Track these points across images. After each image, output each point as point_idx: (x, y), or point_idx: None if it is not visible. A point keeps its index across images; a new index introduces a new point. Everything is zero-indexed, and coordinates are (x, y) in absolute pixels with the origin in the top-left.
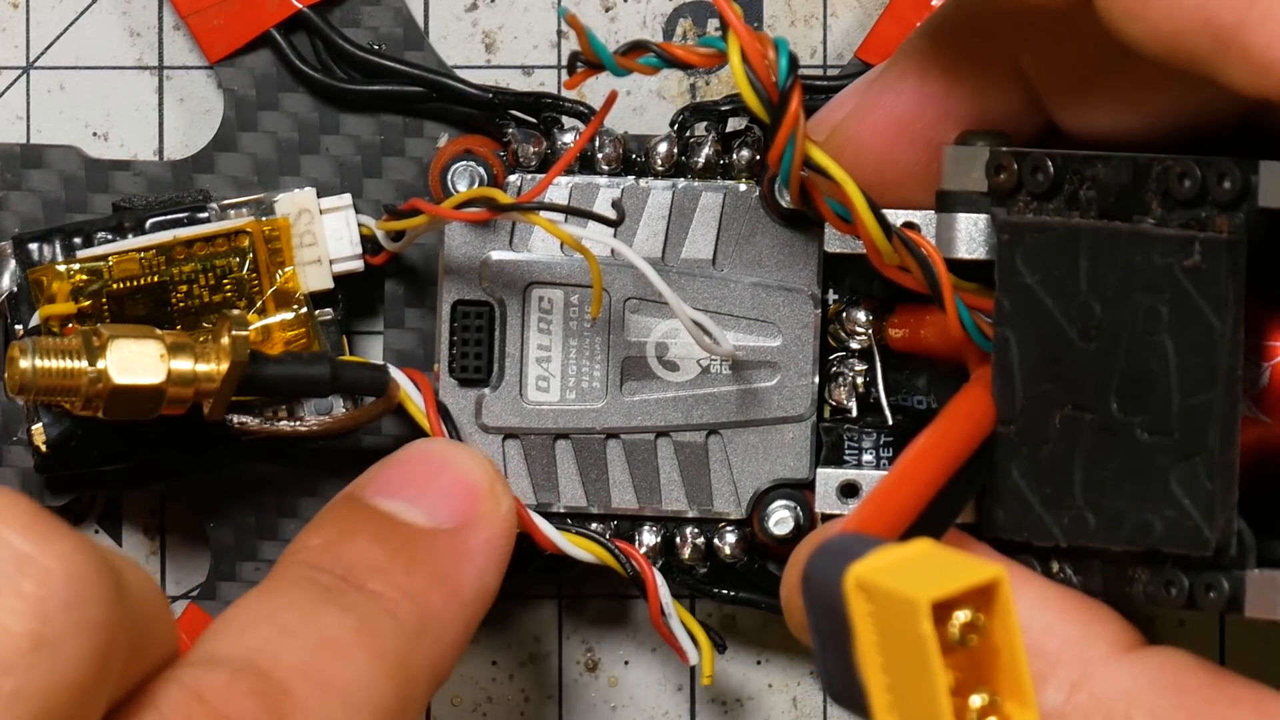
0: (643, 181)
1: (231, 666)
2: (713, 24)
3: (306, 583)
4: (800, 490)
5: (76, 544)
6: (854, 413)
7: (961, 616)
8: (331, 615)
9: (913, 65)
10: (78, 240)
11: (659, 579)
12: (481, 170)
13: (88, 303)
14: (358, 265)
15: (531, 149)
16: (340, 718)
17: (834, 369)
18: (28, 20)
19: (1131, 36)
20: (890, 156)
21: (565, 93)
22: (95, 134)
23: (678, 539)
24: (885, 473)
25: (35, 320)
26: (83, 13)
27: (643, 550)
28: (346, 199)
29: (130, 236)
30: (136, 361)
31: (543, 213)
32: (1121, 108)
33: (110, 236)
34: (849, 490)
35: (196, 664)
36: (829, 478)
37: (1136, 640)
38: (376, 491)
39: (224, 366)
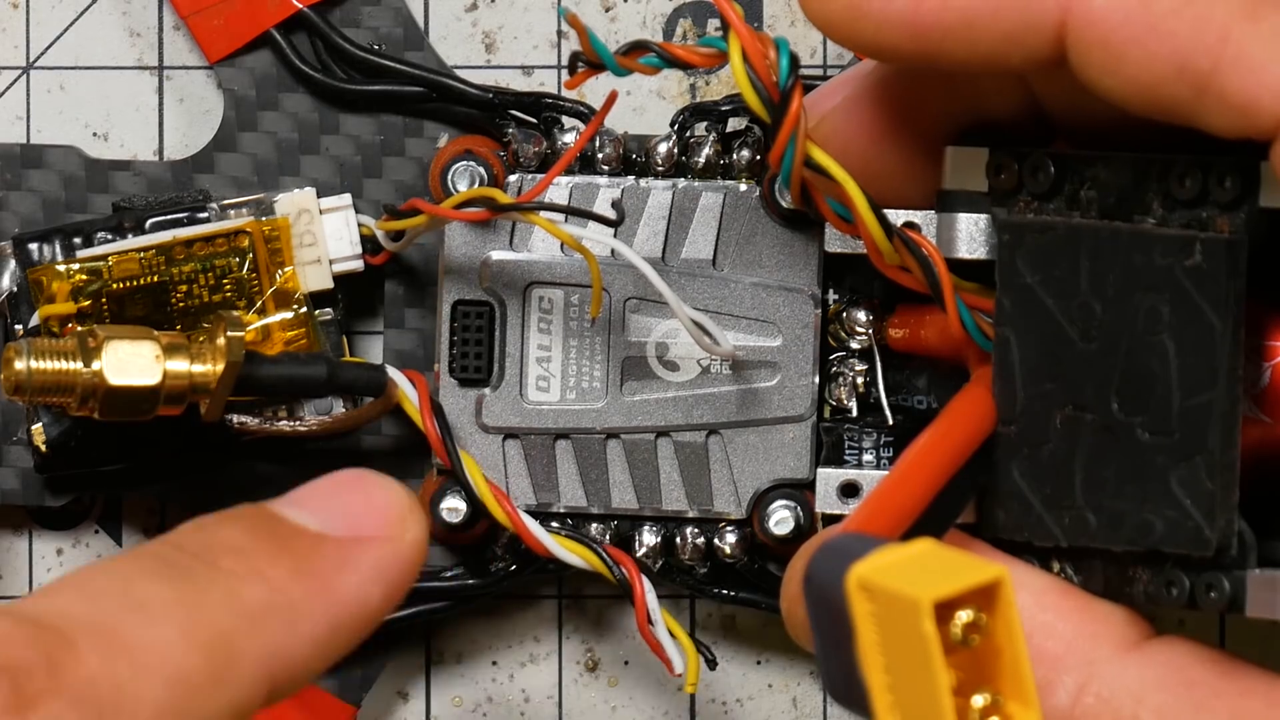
0: (643, 181)
1: (17, 618)
2: (713, 24)
3: (146, 556)
4: (800, 490)
5: None
6: (854, 413)
7: (963, 616)
8: (151, 583)
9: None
10: (78, 240)
11: (648, 587)
12: (481, 170)
13: (87, 303)
14: (358, 265)
15: (531, 149)
16: (124, 674)
17: (834, 369)
18: (28, 20)
19: (1108, 90)
20: (877, 151)
21: (565, 93)
22: (95, 134)
23: (678, 539)
24: (886, 473)
25: (35, 320)
26: (83, 13)
27: (642, 550)
28: (346, 199)
29: (130, 236)
30: (132, 362)
31: (543, 213)
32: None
33: (110, 236)
34: (849, 490)
35: None
36: (829, 478)
37: (1142, 634)
38: (279, 502)
39: (220, 367)
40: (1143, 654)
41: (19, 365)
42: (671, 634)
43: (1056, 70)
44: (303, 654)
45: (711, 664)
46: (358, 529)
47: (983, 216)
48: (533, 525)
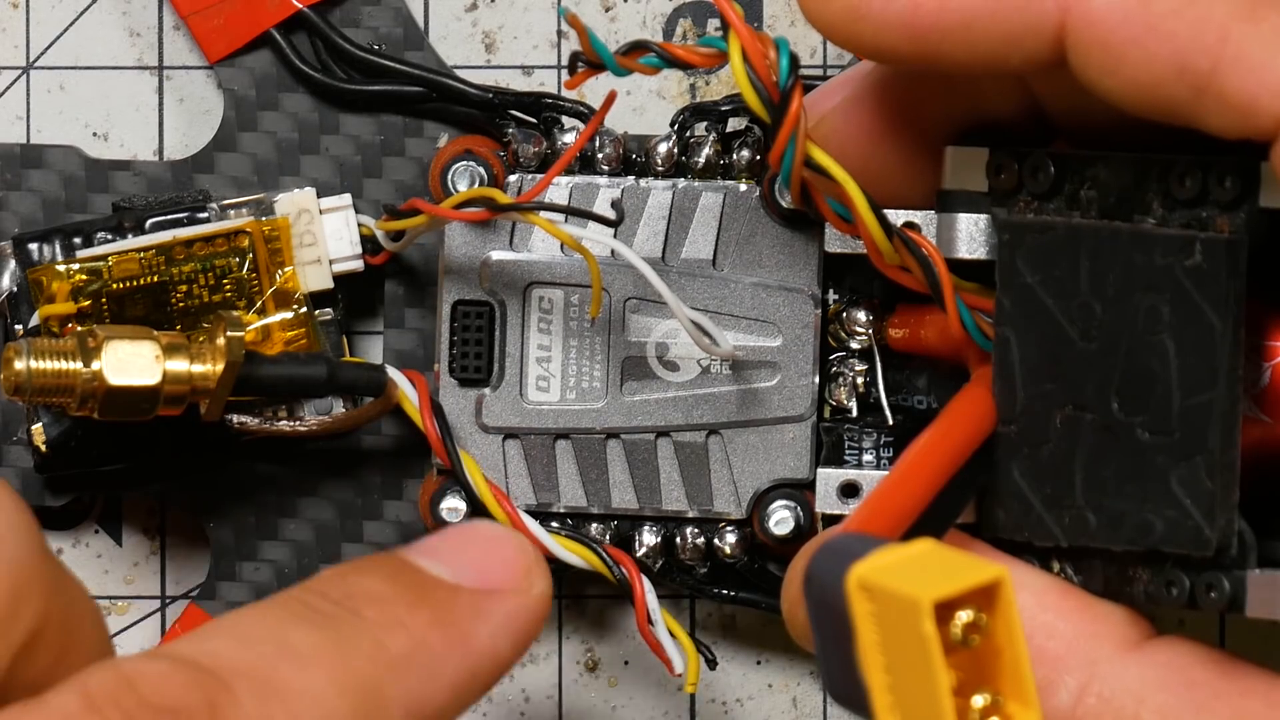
0: (643, 181)
1: (175, 660)
2: (713, 24)
3: (293, 602)
4: (800, 490)
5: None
6: (854, 413)
7: (964, 616)
8: (301, 630)
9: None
10: (78, 240)
11: (648, 587)
12: (481, 170)
13: (87, 303)
14: (358, 265)
15: (531, 149)
16: (278, 719)
17: (834, 369)
18: (28, 20)
19: (1108, 91)
20: (877, 151)
21: (565, 93)
22: (95, 134)
23: (678, 539)
24: (886, 473)
25: (35, 320)
26: (83, 13)
27: (642, 550)
28: (346, 199)
29: (130, 236)
30: (131, 362)
31: (542, 213)
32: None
33: (110, 236)
34: (849, 490)
35: (140, 656)
36: (829, 478)
37: (1143, 633)
38: (411, 550)
39: (219, 367)
40: (1144, 654)
41: (19, 365)
42: (671, 634)
43: (1056, 71)
44: (442, 702)
45: (711, 664)
46: (488, 581)
47: (983, 216)
48: (533, 525)
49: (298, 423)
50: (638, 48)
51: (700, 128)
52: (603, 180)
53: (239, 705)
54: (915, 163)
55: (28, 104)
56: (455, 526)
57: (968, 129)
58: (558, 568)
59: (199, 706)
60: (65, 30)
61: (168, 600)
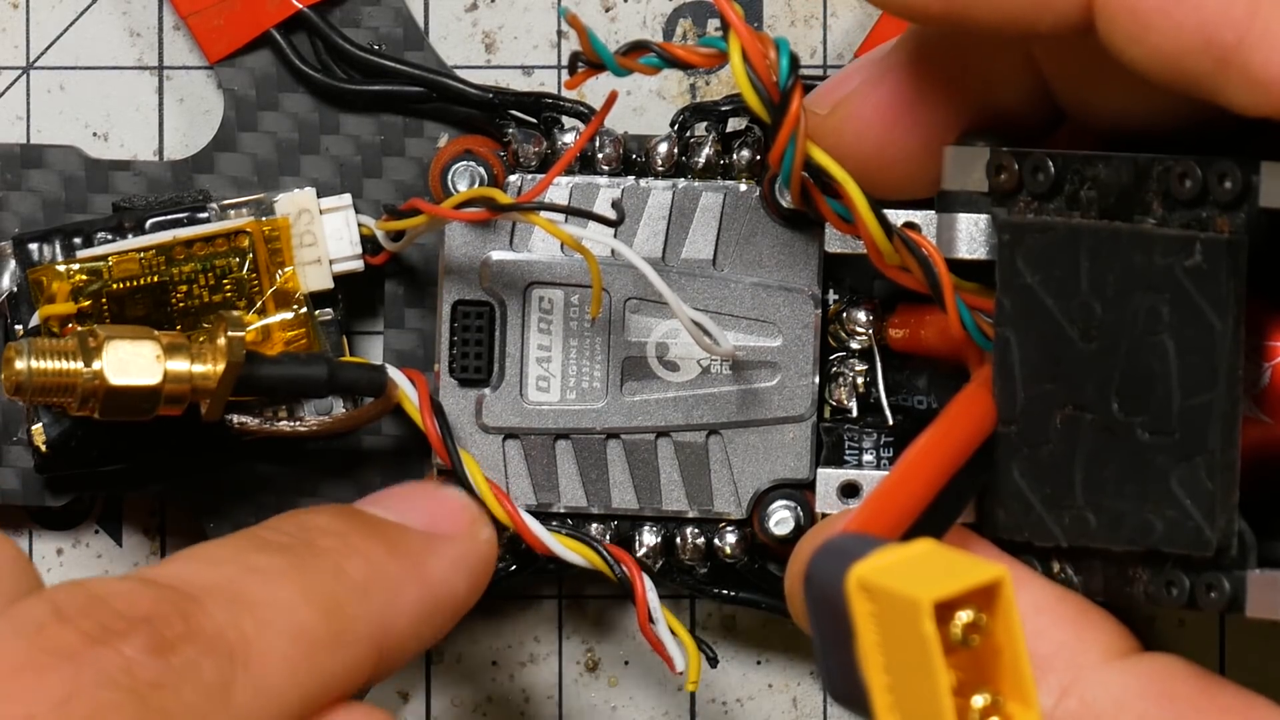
0: (643, 181)
1: (140, 580)
2: (713, 24)
3: (251, 536)
4: (801, 490)
5: None
6: (854, 413)
7: (964, 616)
8: (264, 555)
9: (920, 48)
10: (78, 240)
11: (648, 585)
12: (481, 170)
13: (88, 303)
14: (358, 265)
15: (531, 149)
16: (249, 627)
17: (834, 369)
18: (28, 20)
19: (1133, 59)
20: (892, 137)
21: (565, 93)
22: (95, 134)
23: (678, 539)
24: (886, 473)
25: (35, 320)
26: (83, 13)
27: (642, 550)
28: (346, 199)
29: (130, 236)
30: (132, 362)
31: (543, 213)
32: (1132, 97)
33: (110, 236)
34: (849, 490)
35: (106, 578)
36: (829, 478)
37: (1131, 646)
38: (363, 500)
39: (220, 367)
40: (1130, 664)
41: (19, 365)
42: (673, 632)
43: (1075, 49)
44: (406, 628)
45: (713, 662)
46: (436, 528)
47: (983, 216)
48: (533, 524)
49: (298, 423)
50: (638, 48)
51: (700, 128)
52: (603, 180)
53: (210, 615)
54: (930, 149)
55: (28, 104)
56: (396, 486)
57: (979, 118)
58: (558, 568)
59: (171, 615)
60: (65, 30)
61: None
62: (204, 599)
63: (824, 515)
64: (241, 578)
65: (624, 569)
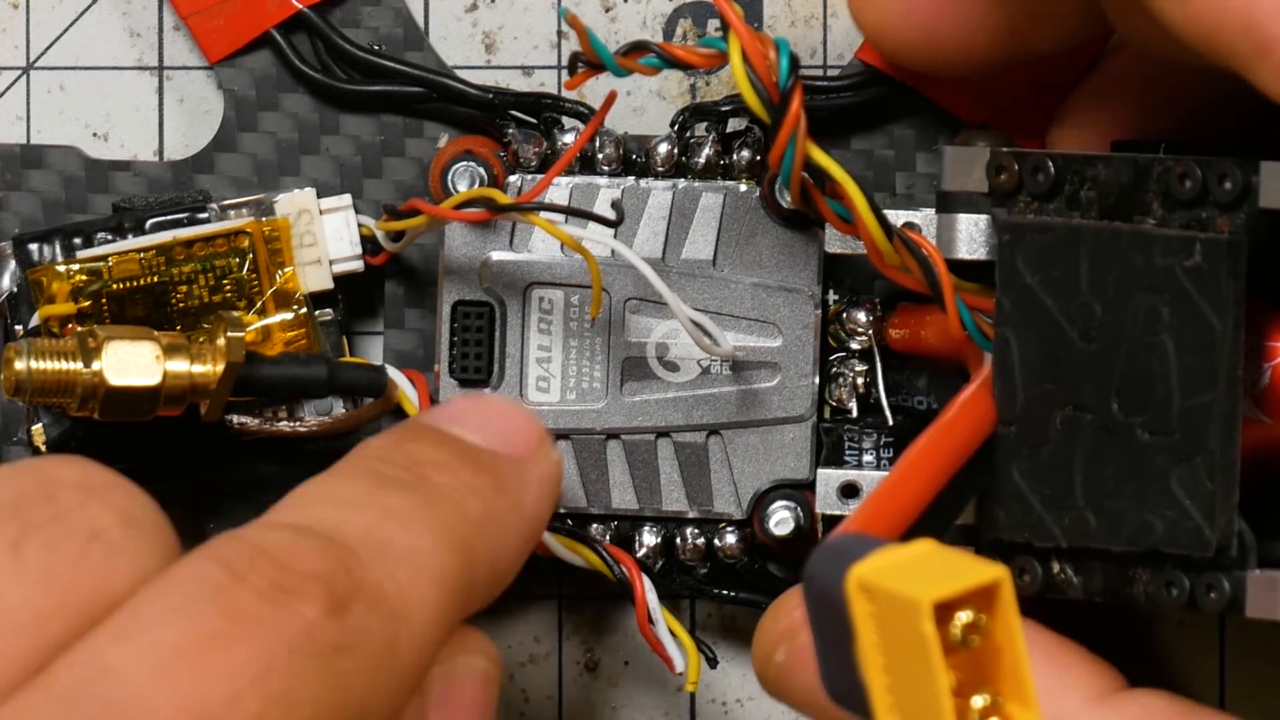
0: (643, 182)
1: (293, 529)
2: (713, 24)
3: (369, 472)
4: (801, 491)
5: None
6: (854, 413)
7: (963, 617)
8: (395, 494)
9: None
10: (78, 240)
11: (648, 586)
12: (481, 170)
13: (87, 303)
14: (358, 265)
15: (531, 149)
16: (403, 579)
17: (834, 369)
18: (28, 20)
19: (1170, 19)
20: (939, 22)
21: (565, 93)
22: (95, 134)
23: (678, 539)
24: (886, 473)
25: (35, 320)
26: (83, 13)
27: (642, 551)
28: (346, 199)
29: (130, 237)
30: (132, 363)
31: (543, 213)
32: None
33: (110, 237)
34: (849, 491)
35: (255, 526)
36: (829, 478)
37: (1112, 686)
38: (437, 419)
39: (220, 368)
40: (1112, 707)
41: (19, 365)
42: (672, 633)
43: None
44: (511, 565)
45: (712, 662)
46: (519, 449)
47: (983, 216)
48: None
49: (298, 423)
50: (638, 48)
51: (700, 128)
52: (603, 180)
53: (369, 569)
54: (979, 37)
55: (28, 104)
56: (462, 398)
57: (1025, 19)
58: (558, 568)
59: (337, 570)
60: (65, 30)
61: None
62: (359, 550)
63: (824, 515)
64: (383, 524)
65: (623, 570)
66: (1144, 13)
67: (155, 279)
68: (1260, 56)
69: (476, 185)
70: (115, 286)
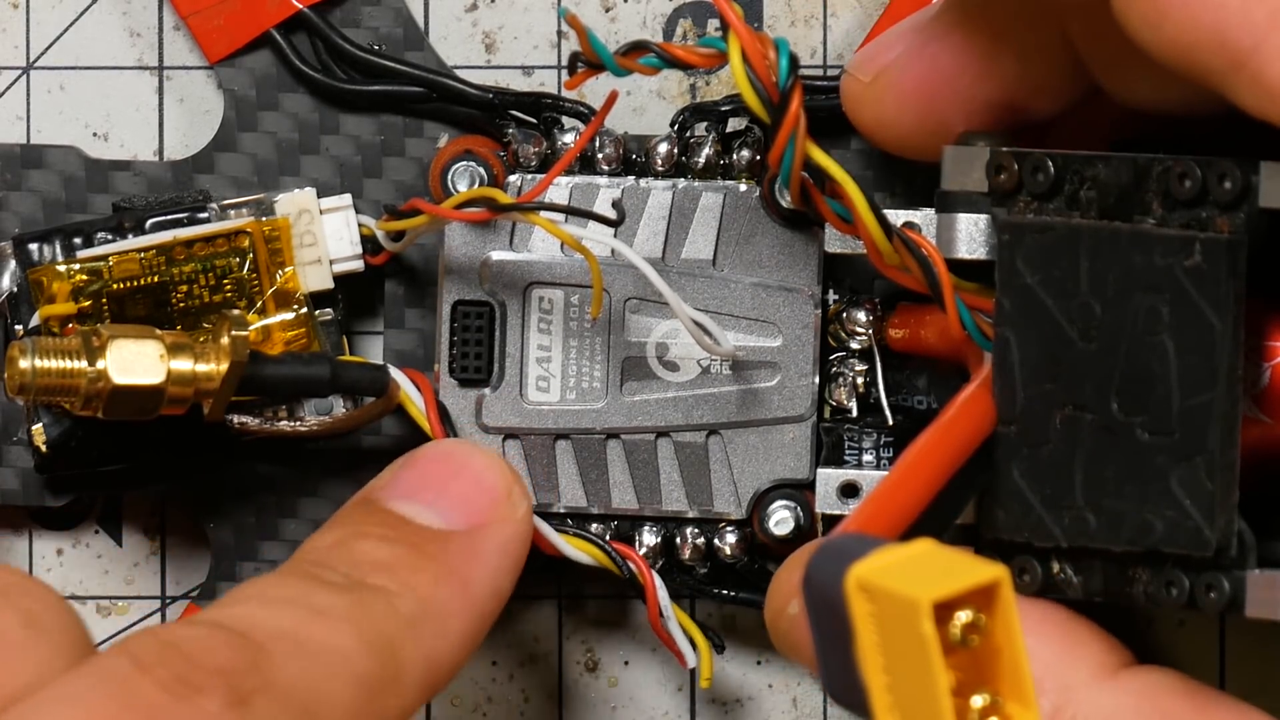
0: (643, 182)
1: (210, 625)
2: (713, 24)
3: (305, 574)
4: (800, 490)
5: None
6: (854, 413)
7: (963, 617)
8: (325, 595)
9: (959, 19)
10: (78, 240)
11: (657, 581)
12: (481, 170)
13: (88, 303)
14: (358, 265)
15: (532, 149)
16: (317, 677)
17: (834, 369)
18: (28, 20)
19: (1146, 44)
20: (933, 109)
21: (565, 93)
22: (95, 134)
23: (678, 539)
24: (886, 473)
25: (35, 320)
26: (83, 13)
27: (642, 551)
28: (346, 199)
29: (130, 236)
30: (136, 361)
31: (543, 213)
32: (1166, 78)
33: (110, 236)
34: (849, 490)
35: (174, 624)
36: (829, 478)
37: (1122, 661)
38: (391, 494)
39: (223, 367)
40: (1119, 682)
41: (23, 364)
42: (683, 628)
43: (1101, 13)
44: (453, 655)
45: (719, 648)
46: (476, 518)
47: (983, 216)
48: (539, 523)
49: (298, 423)
50: (637, 48)
51: (700, 128)
52: (603, 180)
53: (280, 666)
54: (969, 119)
55: (28, 104)
56: (426, 454)
57: (1016, 91)
58: (558, 567)
59: (244, 667)
60: (65, 30)
61: (168, 600)
62: (272, 647)
63: (824, 515)
64: (305, 623)
65: (631, 567)
66: (1130, 66)
67: (155, 279)
68: (1234, 70)
69: (476, 185)
70: (115, 286)
